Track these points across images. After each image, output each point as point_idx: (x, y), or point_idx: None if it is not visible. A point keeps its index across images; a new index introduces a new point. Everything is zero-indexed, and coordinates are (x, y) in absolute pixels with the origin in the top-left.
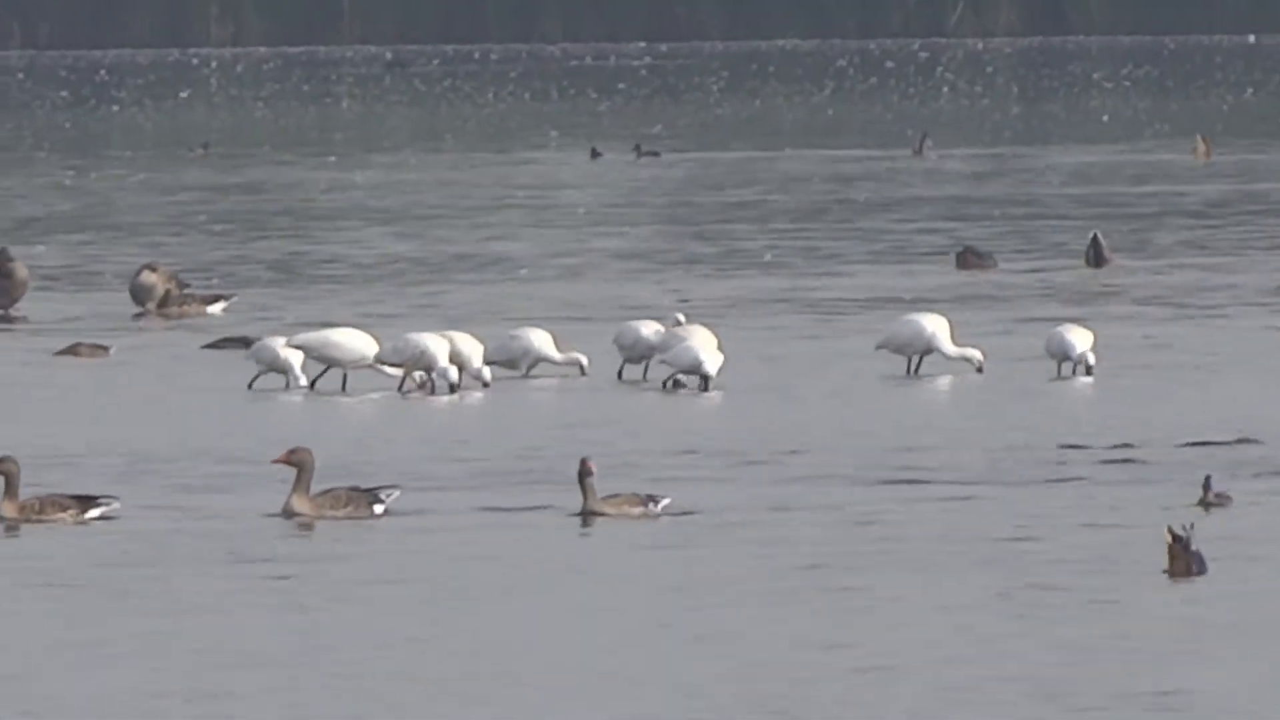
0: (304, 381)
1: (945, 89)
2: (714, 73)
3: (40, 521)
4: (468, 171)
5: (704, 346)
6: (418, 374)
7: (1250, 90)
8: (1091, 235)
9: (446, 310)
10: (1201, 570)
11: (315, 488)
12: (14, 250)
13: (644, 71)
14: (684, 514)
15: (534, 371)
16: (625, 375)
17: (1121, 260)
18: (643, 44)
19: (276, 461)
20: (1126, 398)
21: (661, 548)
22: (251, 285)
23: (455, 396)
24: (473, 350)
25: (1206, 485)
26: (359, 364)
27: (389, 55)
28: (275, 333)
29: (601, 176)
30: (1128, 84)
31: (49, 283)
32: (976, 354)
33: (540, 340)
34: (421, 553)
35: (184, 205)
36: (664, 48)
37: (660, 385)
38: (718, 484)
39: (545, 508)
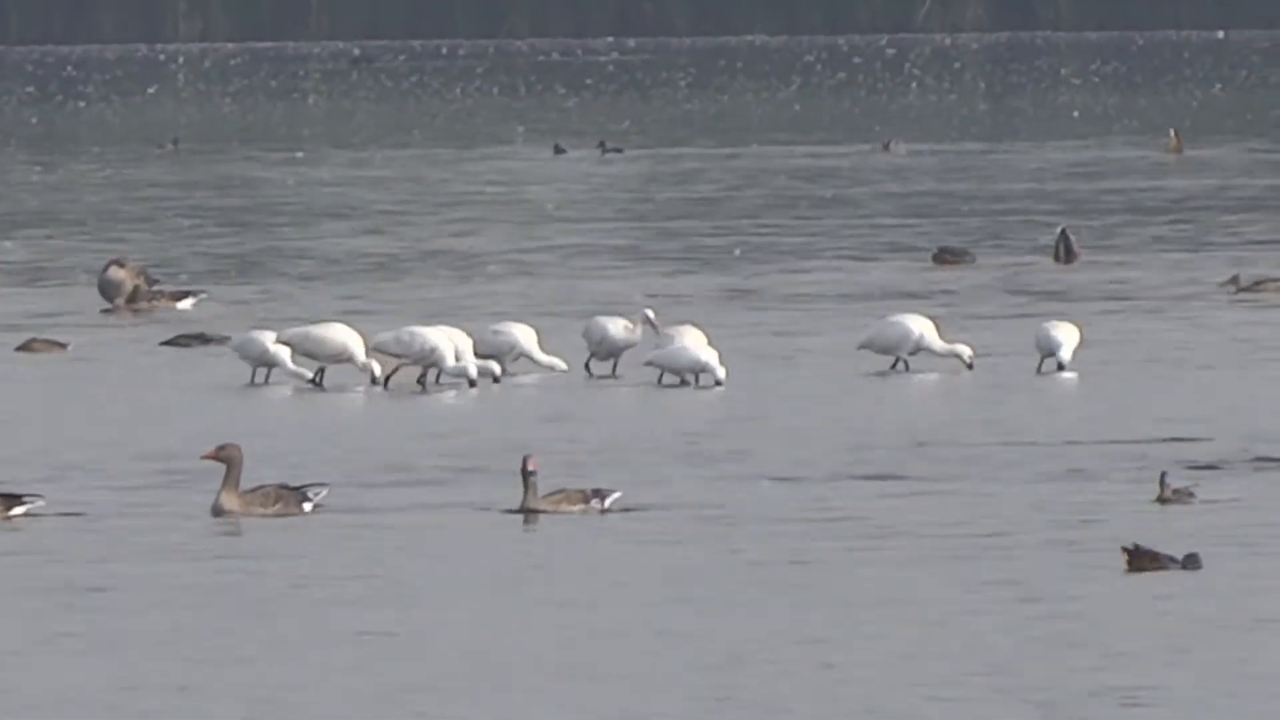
0: (308, 375)
1: (913, 85)
2: (681, 69)
3: None
4: (435, 167)
5: (701, 347)
6: (417, 370)
7: (1219, 86)
8: (1060, 231)
9: (414, 305)
10: (1174, 563)
11: (310, 488)
12: None
13: (611, 67)
14: (635, 509)
15: (513, 367)
16: (594, 370)
17: (1091, 256)
18: (610, 40)
19: (205, 458)
20: (1096, 393)
21: (596, 543)
22: (220, 281)
23: (422, 392)
24: (465, 346)
25: (1162, 481)
26: (341, 358)
27: (356, 51)
28: (259, 328)
29: (568, 173)
30: (1096, 79)
31: (16, 279)
32: (966, 350)
33: (524, 336)
34: (357, 549)
35: (152, 201)
36: (631, 43)
37: (656, 383)
38: (681, 479)
39: (488, 505)
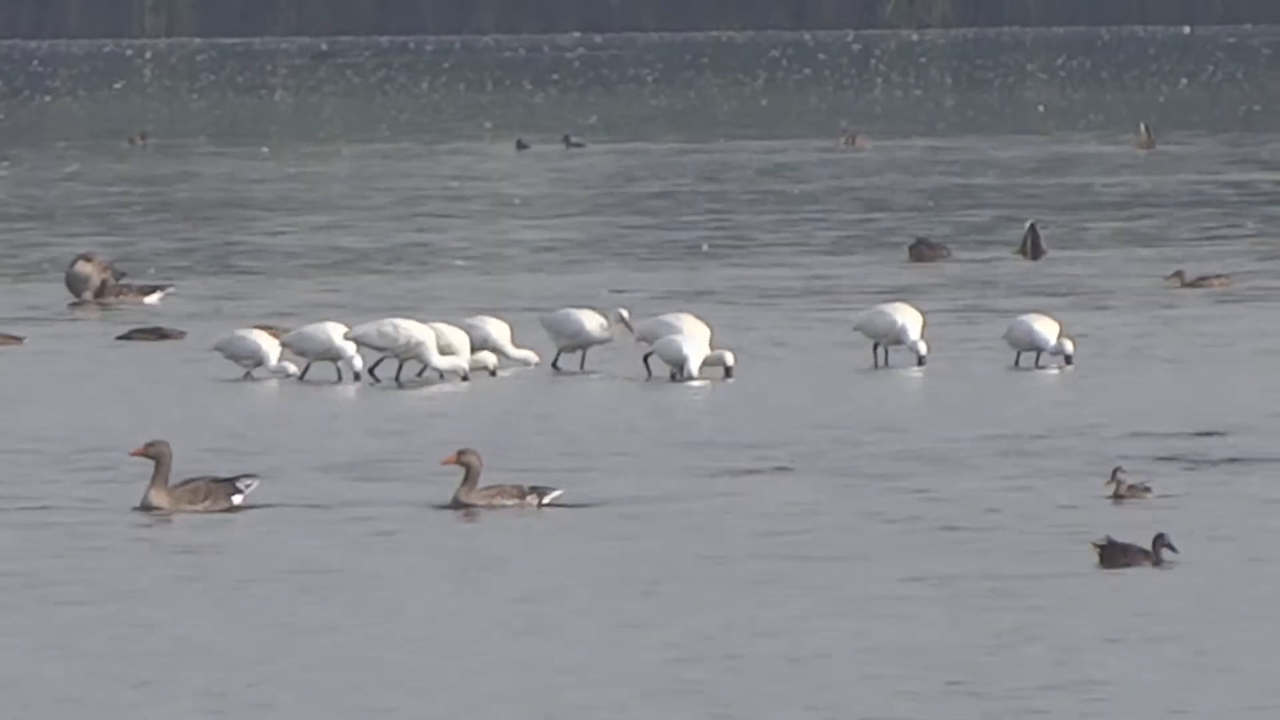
0: (293, 370)
1: (879, 80)
2: (648, 64)
3: None
4: (402, 162)
5: (690, 340)
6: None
7: (1184, 81)
8: (1029, 226)
9: (385, 300)
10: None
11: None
12: None
13: (578, 63)
14: (578, 505)
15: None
16: (562, 366)
17: (1058, 251)
18: (577, 35)
19: (135, 454)
20: (1058, 388)
21: (547, 538)
22: (187, 275)
23: (388, 386)
24: (461, 341)
25: (1114, 477)
26: (326, 355)
27: (323, 46)
28: (252, 325)
29: (532, 168)
30: (1062, 74)
31: None
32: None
33: (496, 330)
34: (286, 544)
35: (119, 196)
36: (598, 39)
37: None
38: (645, 474)
39: (425, 500)
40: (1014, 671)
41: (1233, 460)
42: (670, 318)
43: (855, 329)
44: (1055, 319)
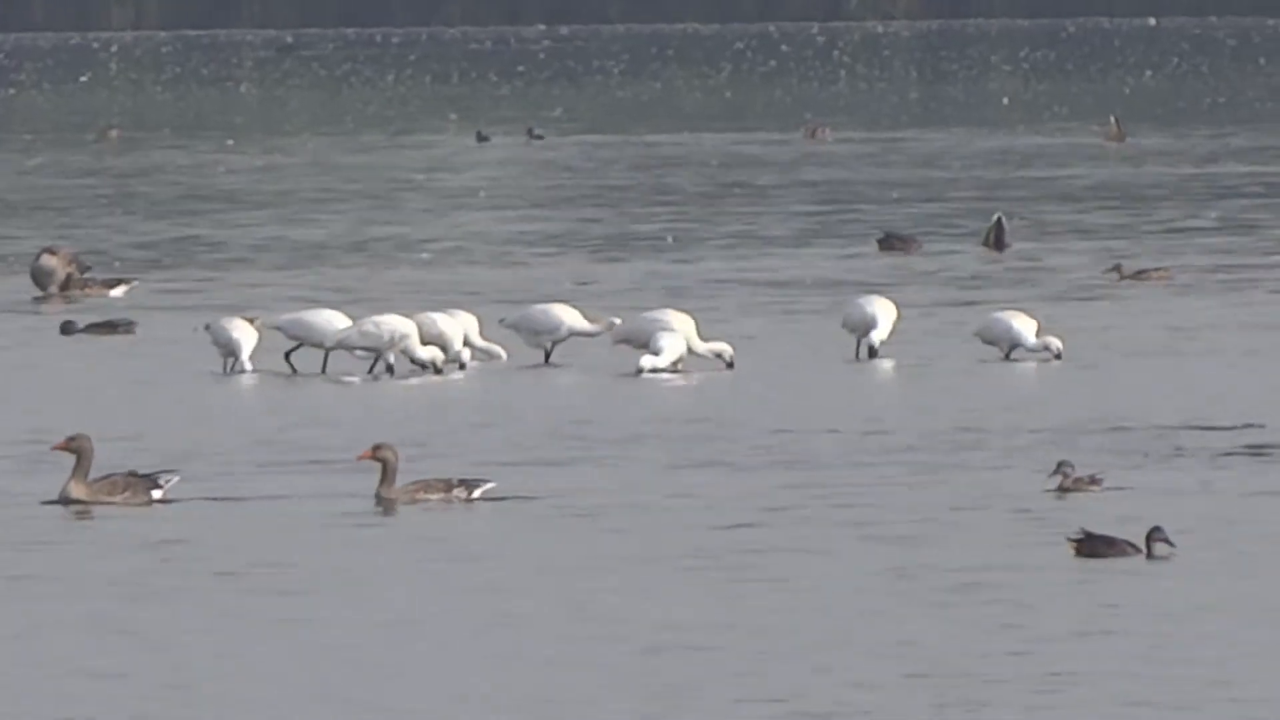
0: (249, 366)
1: (843, 73)
2: (614, 56)
3: None
4: (366, 155)
5: (666, 333)
6: (391, 356)
7: (1149, 73)
8: (995, 218)
9: (351, 293)
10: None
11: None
12: None
13: (544, 55)
14: (512, 499)
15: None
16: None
17: (1023, 243)
18: (543, 27)
19: (56, 448)
20: (1018, 380)
21: (482, 531)
22: (153, 268)
23: (346, 379)
24: (454, 332)
25: (1059, 469)
26: (325, 344)
27: (289, 39)
28: (234, 314)
29: (497, 160)
30: (1026, 67)
31: None
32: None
33: (468, 324)
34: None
35: (84, 188)
36: (564, 30)
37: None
38: (609, 467)
39: (352, 494)
40: (974, 664)
41: (1187, 452)
42: (655, 313)
43: (843, 325)
44: (1031, 315)
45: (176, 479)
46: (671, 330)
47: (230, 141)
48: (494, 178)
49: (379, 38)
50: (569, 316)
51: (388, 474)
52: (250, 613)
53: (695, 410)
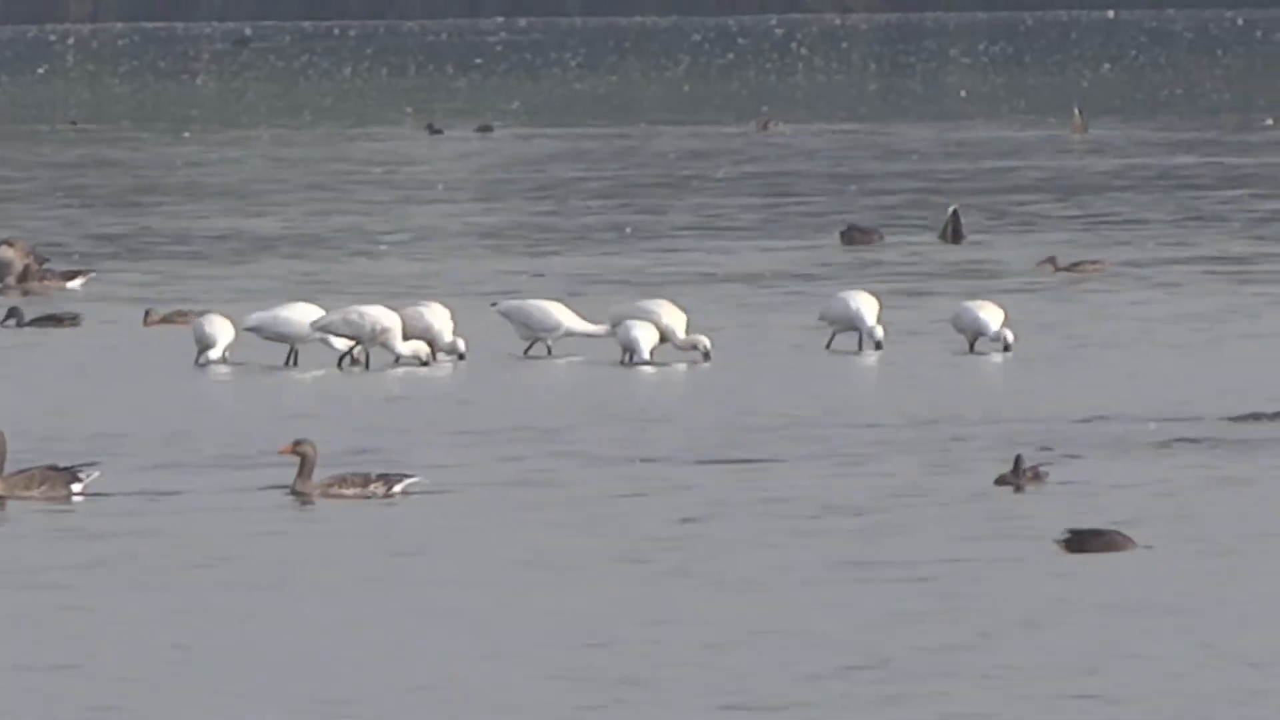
0: (216, 358)
1: (801, 65)
2: (571, 49)
3: None
4: (323, 148)
5: (642, 329)
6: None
7: (1107, 65)
8: (951, 211)
9: (307, 286)
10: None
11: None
12: None
13: (500, 48)
14: (442, 493)
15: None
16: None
17: (980, 235)
18: (500, 20)
19: None
20: (969, 373)
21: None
22: (111, 260)
23: (311, 373)
24: (444, 324)
25: (1017, 464)
26: (309, 339)
27: (247, 31)
28: (211, 310)
29: (454, 153)
30: (985, 59)
31: None
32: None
33: (437, 318)
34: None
35: (41, 181)
36: (522, 23)
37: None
38: (559, 461)
39: (274, 487)
40: (926, 656)
41: (1130, 442)
42: (647, 303)
43: (820, 319)
44: (999, 306)
45: (97, 473)
46: (642, 322)
47: (187, 134)
48: (451, 170)
49: (336, 30)
50: (566, 317)
51: (305, 468)
52: (172, 607)
53: (659, 401)
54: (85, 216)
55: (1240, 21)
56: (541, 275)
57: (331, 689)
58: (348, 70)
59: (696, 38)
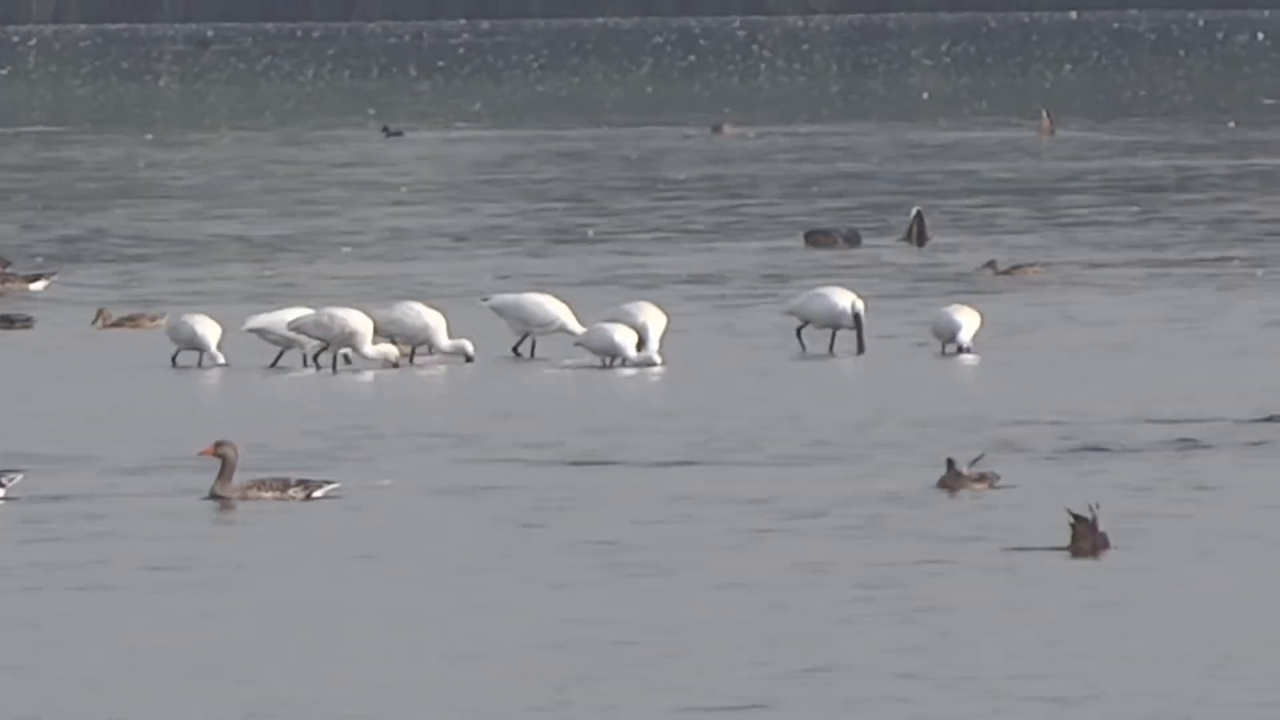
0: (220, 360)
1: (763, 67)
2: (534, 50)
3: None
4: (285, 150)
5: (620, 331)
6: (343, 351)
7: (1069, 66)
8: (915, 212)
9: (274, 288)
10: (1106, 546)
11: None
12: None
13: (463, 50)
14: (397, 493)
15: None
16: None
17: (945, 238)
18: (463, 22)
19: None
20: (933, 376)
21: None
22: (74, 263)
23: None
24: (439, 326)
25: (950, 465)
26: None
27: (209, 33)
28: (197, 312)
29: (416, 155)
30: (947, 61)
31: None
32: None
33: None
34: (50, 538)
35: (2, 183)
36: (485, 25)
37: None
38: (523, 462)
39: (194, 492)
40: (882, 659)
41: (1083, 446)
42: (630, 306)
43: (788, 313)
44: (976, 310)
45: (20, 477)
46: (618, 323)
47: (149, 136)
48: (414, 172)
49: (299, 32)
50: (561, 311)
51: (226, 471)
52: (107, 609)
53: (625, 405)
54: (46, 219)
55: (1201, 23)
56: (507, 277)
57: (283, 690)
58: (310, 72)
59: (659, 39)
